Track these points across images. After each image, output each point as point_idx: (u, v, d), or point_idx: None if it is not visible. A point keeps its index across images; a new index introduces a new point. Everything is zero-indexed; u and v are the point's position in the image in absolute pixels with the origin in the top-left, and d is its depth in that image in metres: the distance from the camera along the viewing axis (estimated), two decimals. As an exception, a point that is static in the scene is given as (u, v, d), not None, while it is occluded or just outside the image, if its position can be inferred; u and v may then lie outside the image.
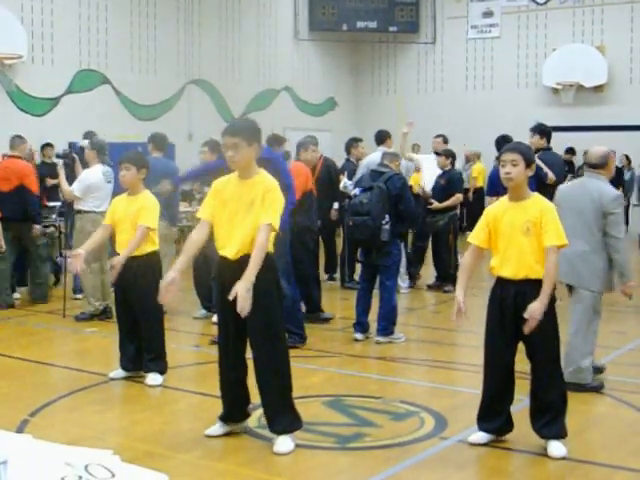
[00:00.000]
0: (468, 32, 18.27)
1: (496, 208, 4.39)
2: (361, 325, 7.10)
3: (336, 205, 10.01)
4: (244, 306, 4.03)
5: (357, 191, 7.08)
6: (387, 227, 6.82)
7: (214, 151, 7.54)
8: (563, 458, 4.21)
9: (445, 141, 10.63)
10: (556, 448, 4.25)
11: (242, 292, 4.02)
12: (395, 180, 6.98)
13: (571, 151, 16.24)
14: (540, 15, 17.49)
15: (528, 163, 4.24)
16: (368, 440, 4.55)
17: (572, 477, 4.15)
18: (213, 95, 15.78)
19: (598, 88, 16.68)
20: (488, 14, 17.99)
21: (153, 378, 5.69)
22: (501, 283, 4.31)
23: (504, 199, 4.39)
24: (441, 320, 8.30)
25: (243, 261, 4.17)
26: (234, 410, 4.53)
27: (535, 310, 4.11)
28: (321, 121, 18.19)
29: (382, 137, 9.68)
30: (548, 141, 8.26)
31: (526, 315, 4.13)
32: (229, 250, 4.27)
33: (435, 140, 10.71)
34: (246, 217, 4.22)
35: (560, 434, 4.29)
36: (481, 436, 4.43)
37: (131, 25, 14.43)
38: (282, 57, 17.44)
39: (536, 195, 4.34)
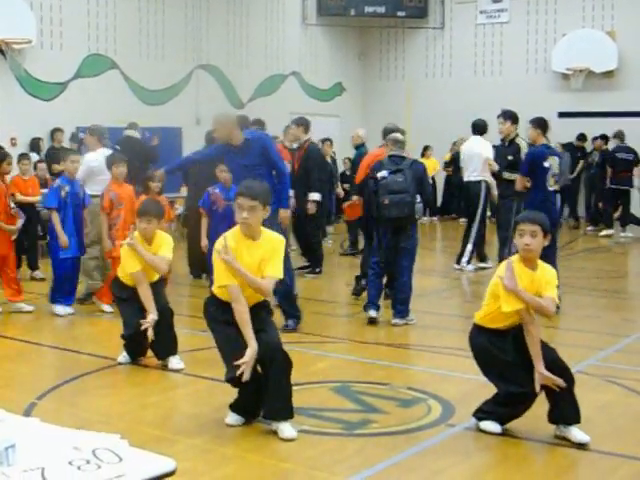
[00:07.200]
0: (477, 17, 18.09)
1: (517, 274, 4.23)
2: (374, 304, 7.19)
3: (316, 196, 9.47)
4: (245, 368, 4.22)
5: (385, 173, 7.09)
6: (420, 205, 7.03)
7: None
8: (585, 444, 4.18)
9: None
10: (579, 433, 4.23)
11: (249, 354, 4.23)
12: (418, 165, 7.32)
13: (582, 137, 16.11)
14: (550, 0, 17.33)
15: (545, 233, 4.24)
16: (375, 426, 4.56)
17: (579, 466, 4.15)
18: (221, 80, 15.71)
19: (608, 73, 16.51)
20: (497, -1, 17.83)
21: (177, 362, 5.69)
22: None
23: (516, 264, 4.26)
24: (449, 306, 8.29)
25: (253, 307, 4.42)
26: (251, 417, 4.52)
27: (540, 377, 4.17)
28: (329, 106, 18.09)
29: (484, 127, 10.20)
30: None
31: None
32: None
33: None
34: (257, 275, 4.40)
35: (575, 419, 4.27)
36: (494, 426, 4.41)
37: (139, 10, 14.36)
38: (290, 42, 17.33)
39: (541, 263, 4.31)
